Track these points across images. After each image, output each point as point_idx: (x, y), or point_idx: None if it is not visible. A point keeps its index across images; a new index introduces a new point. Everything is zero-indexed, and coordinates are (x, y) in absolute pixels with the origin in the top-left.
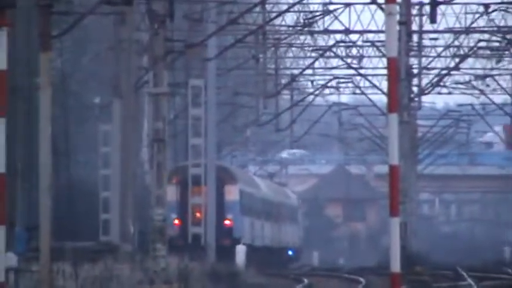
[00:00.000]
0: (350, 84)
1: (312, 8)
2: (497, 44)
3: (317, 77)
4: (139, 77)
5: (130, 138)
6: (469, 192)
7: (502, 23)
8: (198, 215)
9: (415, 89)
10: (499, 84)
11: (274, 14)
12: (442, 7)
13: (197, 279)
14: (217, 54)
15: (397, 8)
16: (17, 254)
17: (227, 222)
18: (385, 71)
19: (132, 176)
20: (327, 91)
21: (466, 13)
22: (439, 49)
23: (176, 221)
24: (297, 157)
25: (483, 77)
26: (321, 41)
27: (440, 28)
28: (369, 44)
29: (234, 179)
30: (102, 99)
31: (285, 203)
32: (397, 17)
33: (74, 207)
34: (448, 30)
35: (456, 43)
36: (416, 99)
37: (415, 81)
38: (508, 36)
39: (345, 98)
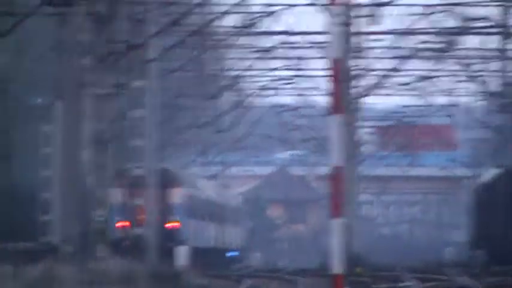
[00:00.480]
0: (291, 86)
1: (253, 9)
2: (438, 46)
3: (258, 78)
4: (81, 78)
5: (72, 139)
6: (409, 193)
7: (443, 25)
8: (141, 217)
9: (356, 90)
10: (439, 85)
11: (215, 15)
12: (383, 9)
13: (138, 280)
14: (159, 56)
15: (339, 9)
16: None
17: (173, 224)
18: (326, 72)
19: (73, 177)
20: (267, 92)
21: (407, 14)
22: (380, 50)
23: (120, 224)
24: (238, 158)
25: (424, 79)
26: (262, 42)
27: (382, 29)
28: (309, 45)
29: (179, 181)
30: (44, 100)
31: (228, 205)
32: (339, 18)
33: (14, 209)
34: (390, 32)
35: (397, 44)
36: (357, 100)
37: (356, 82)
38: (449, 38)
39: (286, 99)
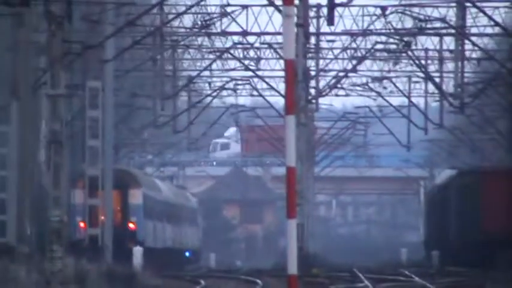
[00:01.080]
0: (248, 86)
1: (209, 9)
2: (394, 46)
3: (215, 79)
4: (37, 78)
5: (28, 139)
6: (365, 194)
7: (399, 26)
8: (99, 218)
9: (312, 91)
10: (396, 86)
11: (172, 16)
12: (339, 9)
13: (94, 280)
14: (115, 56)
15: (295, 10)
16: None
17: (131, 225)
18: (282, 73)
19: (29, 177)
20: (224, 93)
21: (363, 15)
22: (337, 51)
23: (82, 224)
24: (194, 159)
25: (380, 79)
26: (219, 42)
27: (338, 30)
28: (266, 46)
29: (138, 183)
30: None
31: (185, 206)
32: (295, 19)
33: None
34: (346, 33)
35: (353, 45)
36: (313, 101)
37: (312, 83)
38: (405, 39)
39: (242, 100)
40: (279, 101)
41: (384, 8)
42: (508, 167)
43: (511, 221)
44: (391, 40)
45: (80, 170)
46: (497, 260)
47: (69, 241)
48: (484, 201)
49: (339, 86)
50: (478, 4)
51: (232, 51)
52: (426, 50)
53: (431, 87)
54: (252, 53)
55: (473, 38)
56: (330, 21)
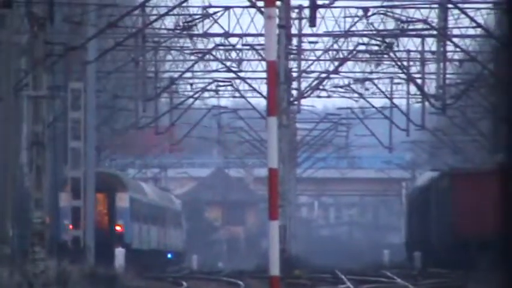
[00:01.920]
0: (229, 88)
1: (191, 11)
2: (376, 48)
3: (196, 80)
4: (18, 79)
5: (10, 140)
6: (347, 195)
7: (381, 27)
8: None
9: (294, 92)
10: (378, 87)
11: (154, 17)
12: (321, 11)
13: (76, 282)
14: (97, 57)
15: (277, 11)
16: None
17: (118, 228)
18: (264, 74)
19: (11, 178)
20: (206, 94)
21: (345, 17)
22: (319, 52)
23: (70, 227)
24: (176, 160)
25: (362, 81)
26: (201, 44)
27: (320, 31)
28: (248, 47)
29: (124, 186)
30: None
31: (169, 208)
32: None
33: None
34: (328, 34)
35: (335, 46)
36: (295, 102)
37: (294, 84)
38: (387, 40)
39: (224, 101)
40: (261, 103)
41: (366, 9)
42: (478, 168)
43: (482, 223)
44: (373, 41)
45: (65, 173)
46: (477, 262)
47: (56, 242)
48: (455, 203)
49: (320, 87)
50: (460, 5)
51: (214, 53)
52: (408, 51)
53: (413, 89)
54: (234, 55)
55: (455, 40)
56: (312, 22)
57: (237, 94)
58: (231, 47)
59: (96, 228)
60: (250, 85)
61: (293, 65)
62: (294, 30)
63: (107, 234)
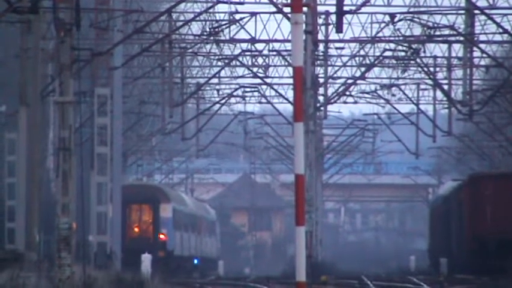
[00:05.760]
0: (256, 93)
1: (218, 17)
2: (402, 54)
3: (223, 86)
4: (45, 85)
5: (36, 146)
6: (374, 201)
7: (408, 33)
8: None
9: (321, 98)
10: (404, 93)
11: (180, 23)
12: (348, 17)
13: (102, 287)
14: (124, 63)
15: (303, 17)
16: None
17: (162, 236)
18: (290, 80)
19: (38, 184)
20: (232, 100)
21: (371, 23)
22: (345, 58)
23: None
24: (202, 166)
25: (389, 86)
26: (227, 50)
27: (346, 37)
28: (274, 53)
29: (168, 198)
30: (8, 108)
31: (206, 218)
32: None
33: None
34: (354, 40)
35: (362, 52)
36: (322, 108)
37: (321, 90)
38: (414, 46)
39: (250, 107)
40: (288, 108)
41: (392, 16)
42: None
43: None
44: (400, 47)
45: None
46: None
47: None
48: (468, 209)
49: (347, 93)
50: (487, 11)
51: (240, 59)
52: (435, 57)
53: (439, 95)
54: (260, 60)
55: (482, 45)
56: (339, 28)
57: (263, 100)
58: (257, 53)
59: (141, 237)
60: (276, 91)
61: (320, 70)
62: (320, 36)
63: (151, 242)
